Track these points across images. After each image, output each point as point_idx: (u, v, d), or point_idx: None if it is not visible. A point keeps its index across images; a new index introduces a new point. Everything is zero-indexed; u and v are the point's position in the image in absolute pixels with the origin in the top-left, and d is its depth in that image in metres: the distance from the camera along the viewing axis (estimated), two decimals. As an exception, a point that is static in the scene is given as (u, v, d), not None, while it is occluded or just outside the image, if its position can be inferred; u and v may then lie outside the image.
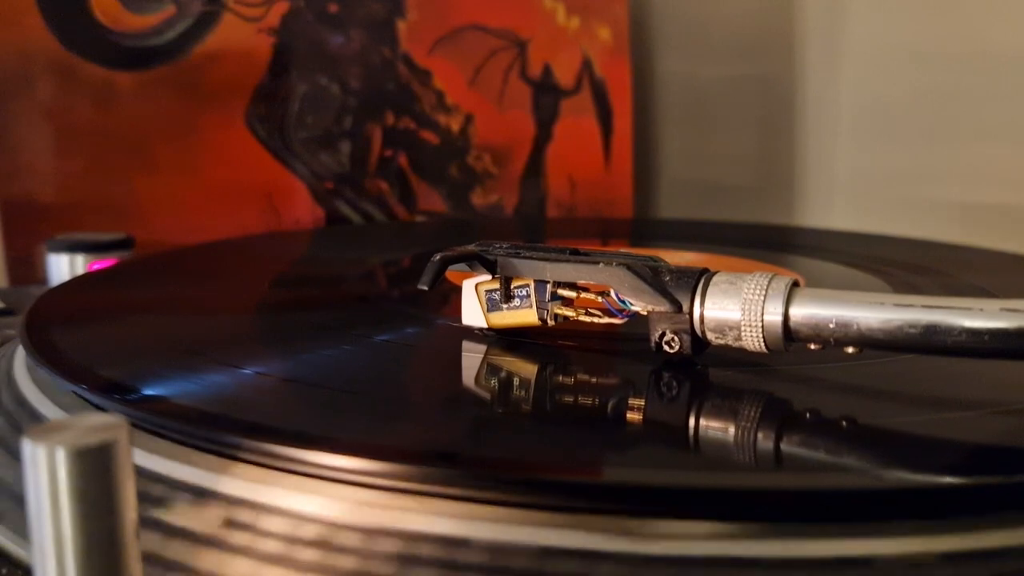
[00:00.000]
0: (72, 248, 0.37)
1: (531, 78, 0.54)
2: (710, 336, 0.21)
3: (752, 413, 0.19)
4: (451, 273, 0.23)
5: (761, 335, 0.20)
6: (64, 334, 0.25)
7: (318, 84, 0.49)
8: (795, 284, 0.20)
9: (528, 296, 0.23)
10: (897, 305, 0.18)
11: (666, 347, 0.21)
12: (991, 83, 0.49)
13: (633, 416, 0.20)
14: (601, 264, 0.22)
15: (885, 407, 0.20)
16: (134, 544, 0.13)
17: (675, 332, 0.21)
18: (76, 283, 0.34)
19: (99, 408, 0.20)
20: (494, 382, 0.22)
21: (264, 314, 0.31)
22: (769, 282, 0.20)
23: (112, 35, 0.44)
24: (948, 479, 0.16)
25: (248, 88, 0.47)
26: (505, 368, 0.23)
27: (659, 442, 0.19)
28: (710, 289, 0.21)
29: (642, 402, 0.20)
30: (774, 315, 0.20)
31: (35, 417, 0.22)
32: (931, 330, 0.18)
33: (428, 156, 0.52)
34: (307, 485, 0.17)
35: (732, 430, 0.18)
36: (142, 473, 0.18)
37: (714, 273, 0.21)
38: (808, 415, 0.19)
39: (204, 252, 0.41)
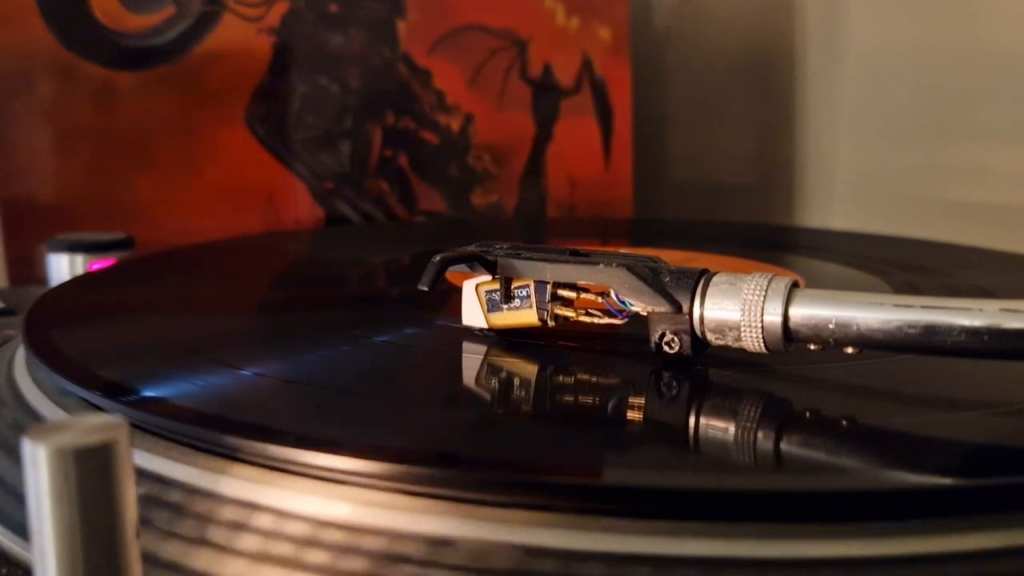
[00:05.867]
0: (72, 248, 0.37)
1: (531, 78, 0.54)
2: (710, 337, 0.21)
3: (752, 413, 0.19)
4: (451, 274, 0.23)
5: (761, 335, 0.20)
6: (64, 334, 0.25)
7: (318, 84, 0.49)
8: (795, 284, 0.20)
9: (528, 297, 0.23)
10: (897, 305, 0.18)
11: (666, 348, 0.21)
12: (991, 83, 0.49)
13: (633, 417, 0.20)
14: (601, 265, 0.22)
15: (885, 407, 0.20)
16: (134, 544, 0.13)
17: (675, 333, 0.21)
18: (76, 283, 0.34)
19: (99, 408, 0.20)
20: (494, 383, 0.22)
21: (264, 314, 0.31)
22: (769, 282, 0.20)
23: (112, 35, 0.44)
24: (948, 479, 0.16)
25: (248, 88, 0.47)
26: (505, 369, 0.23)
27: (659, 443, 0.19)
28: (710, 290, 0.21)
29: (642, 403, 0.20)
30: (774, 315, 0.20)
31: (35, 417, 0.22)
32: (931, 330, 0.18)
33: (428, 156, 0.52)
34: (307, 486, 0.17)
35: (732, 430, 0.18)
36: (142, 473, 0.18)
37: (714, 273, 0.21)
38: (808, 415, 0.19)
39: (204, 252, 0.41)
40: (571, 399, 0.21)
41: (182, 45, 0.46)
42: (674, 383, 0.21)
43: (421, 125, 0.52)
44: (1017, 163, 0.49)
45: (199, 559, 0.16)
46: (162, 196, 0.45)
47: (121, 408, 0.19)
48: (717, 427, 0.19)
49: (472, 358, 0.24)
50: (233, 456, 0.18)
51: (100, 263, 0.37)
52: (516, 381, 0.22)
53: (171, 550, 0.16)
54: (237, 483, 0.17)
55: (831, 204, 0.58)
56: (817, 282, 0.33)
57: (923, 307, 0.18)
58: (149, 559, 0.16)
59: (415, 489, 0.16)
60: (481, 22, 0.53)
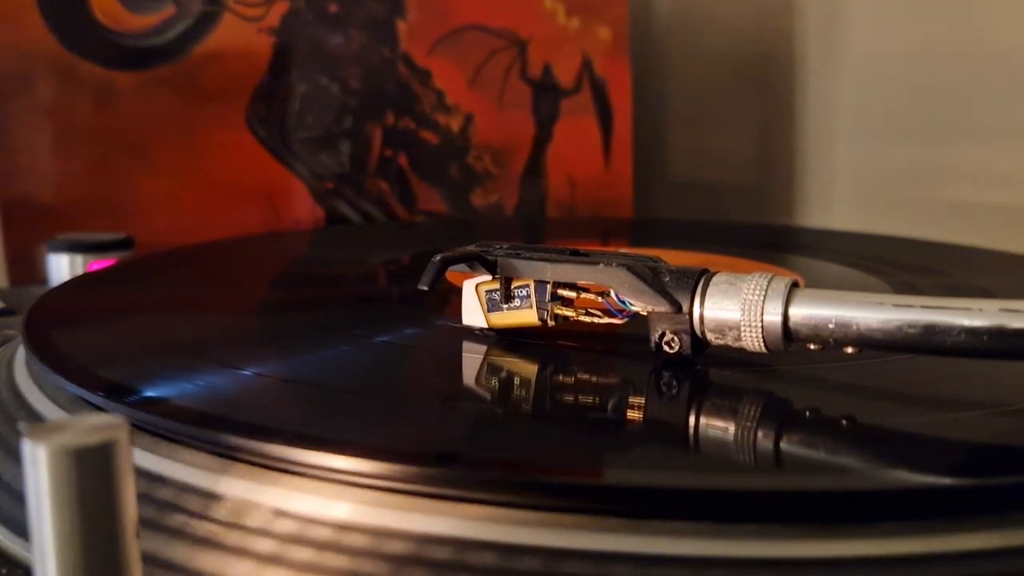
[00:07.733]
0: (72, 248, 0.37)
1: (531, 78, 0.54)
2: (710, 336, 0.21)
3: (752, 413, 0.19)
4: (451, 274, 0.23)
5: (761, 335, 0.20)
6: (64, 334, 0.25)
7: (318, 84, 0.49)
8: (795, 284, 0.20)
9: (528, 296, 0.23)
10: (896, 305, 0.18)
11: (666, 347, 0.21)
12: (991, 83, 0.49)
13: (633, 416, 0.20)
14: (601, 264, 0.22)
15: (885, 407, 0.20)
16: (134, 544, 0.13)
17: (675, 332, 0.21)
18: (76, 283, 0.34)
19: (99, 408, 0.20)
20: (494, 382, 0.22)
21: (264, 314, 0.31)
22: (769, 282, 0.20)
23: (112, 35, 0.44)
24: (948, 479, 0.16)
25: (248, 88, 0.47)
26: (505, 368, 0.23)
27: (659, 443, 0.19)
28: (710, 289, 0.21)
29: (642, 402, 0.20)
30: (774, 315, 0.20)
31: (35, 417, 0.22)
32: (930, 330, 0.18)
33: (428, 156, 0.52)
34: (306, 486, 0.17)
35: (732, 430, 0.18)
36: (142, 473, 0.18)
37: (714, 273, 0.21)
38: (808, 415, 0.19)
39: (204, 252, 0.41)
40: (571, 399, 0.21)
41: (182, 45, 0.46)
42: (674, 383, 0.21)
43: (421, 125, 0.52)
44: (1017, 163, 0.49)
45: (199, 559, 0.16)
46: (162, 196, 0.45)
47: (121, 408, 0.19)
48: (717, 427, 0.19)
49: (472, 358, 0.24)
50: (233, 456, 0.18)
51: (100, 263, 0.37)
52: (516, 381, 0.22)
53: (171, 550, 0.16)
54: (237, 483, 0.17)
55: (831, 204, 0.58)
56: (817, 282, 0.33)
57: (923, 307, 0.18)
58: (149, 559, 0.16)
59: (415, 489, 0.16)
60: (481, 22, 0.53)
